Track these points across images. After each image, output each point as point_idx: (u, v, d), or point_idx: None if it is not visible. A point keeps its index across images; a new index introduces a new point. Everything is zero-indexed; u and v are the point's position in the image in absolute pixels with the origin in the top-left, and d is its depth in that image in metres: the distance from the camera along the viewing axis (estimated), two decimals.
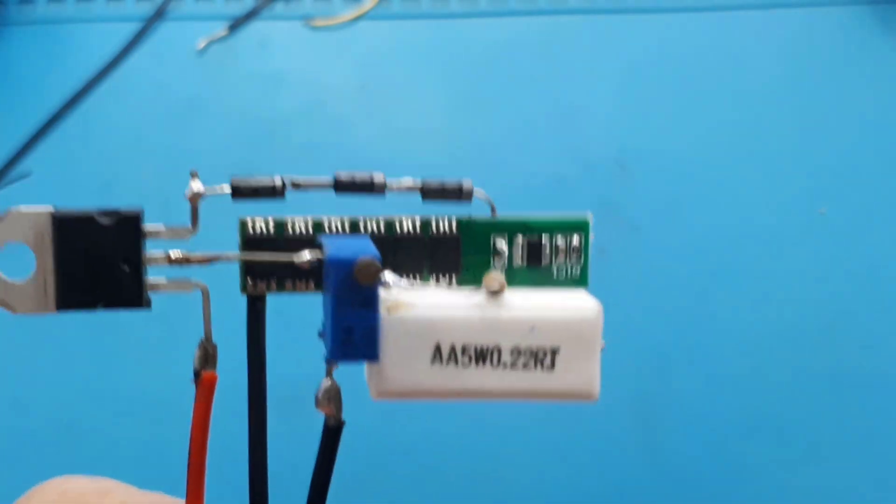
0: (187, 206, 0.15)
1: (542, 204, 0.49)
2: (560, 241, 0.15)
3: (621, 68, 0.54)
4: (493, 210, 0.15)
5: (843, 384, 0.44)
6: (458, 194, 0.14)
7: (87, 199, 0.54)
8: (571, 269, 0.15)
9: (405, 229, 0.14)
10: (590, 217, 0.15)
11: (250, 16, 0.56)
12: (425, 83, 0.54)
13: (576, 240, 0.15)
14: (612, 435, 0.42)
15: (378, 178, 0.14)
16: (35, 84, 0.53)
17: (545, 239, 0.15)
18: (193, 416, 0.15)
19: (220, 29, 0.55)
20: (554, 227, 0.15)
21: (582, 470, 0.41)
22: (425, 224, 0.14)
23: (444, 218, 0.14)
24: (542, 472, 0.42)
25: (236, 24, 0.55)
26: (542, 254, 0.15)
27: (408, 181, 0.14)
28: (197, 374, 0.15)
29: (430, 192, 0.14)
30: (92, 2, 0.56)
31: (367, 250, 0.12)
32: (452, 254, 0.14)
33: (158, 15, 0.55)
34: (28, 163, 0.50)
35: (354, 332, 0.12)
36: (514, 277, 0.14)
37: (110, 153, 0.50)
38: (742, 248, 0.47)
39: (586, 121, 0.52)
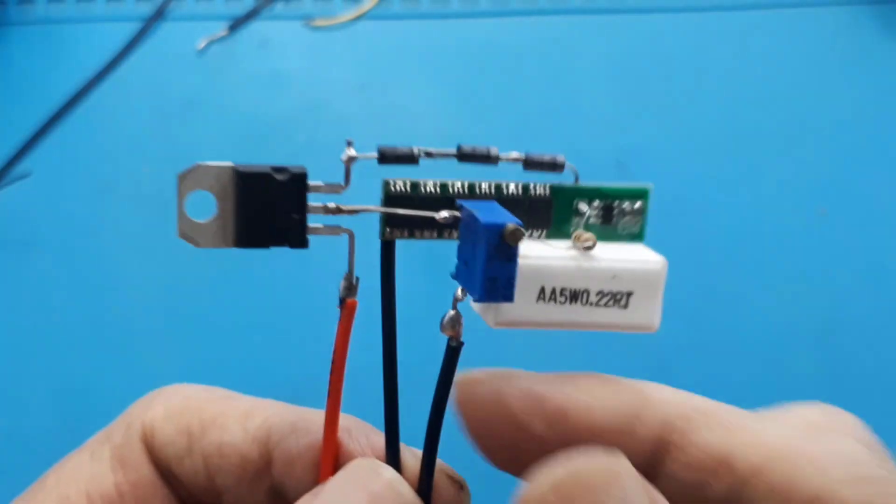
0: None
1: None
2: (626, 204, 0.18)
3: (621, 68, 0.54)
4: (576, 178, 0.18)
5: (842, 384, 0.44)
6: (553, 166, 0.18)
7: (86, 199, 0.54)
8: (632, 226, 0.18)
9: (510, 192, 0.18)
10: (651, 186, 0.18)
11: (250, 16, 0.56)
12: (425, 83, 0.54)
13: (638, 204, 0.18)
14: None
15: (493, 151, 0.17)
16: (35, 84, 0.53)
17: (616, 203, 0.18)
18: (337, 336, 0.18)
19: (220, 29, 0.55)
20: (623, 194, 0.18)
21: None
22: (525, 188, 0.18)
23: (540, 184, 0.18)
24: None
25: (236, 24, 0.55)
26: (613, 214, 0.18)
27: (514, 154, 0.17)
28: (342, 301, 0.18)
29: (530, 164, 0.18)
30: (92, 2, 0.56)
31: (511, 217, 0.16)
32: (545, 212, 0.18)
33: (158, 15, 0.55)
34: (28, 163, 0.50)
35: (498, 280, 0.16)
36: (591, 230, 0.18)
37: (110, 153, 0.50)
38: (742, 247, 0.47)
39: (586, 121, 0.52)
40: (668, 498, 0.16)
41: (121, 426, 0.21)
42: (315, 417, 0.20)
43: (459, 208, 0.17)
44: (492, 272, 0.15)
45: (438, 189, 0.17)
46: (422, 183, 0.17)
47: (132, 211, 0.48)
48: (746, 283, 0.46)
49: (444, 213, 0.17)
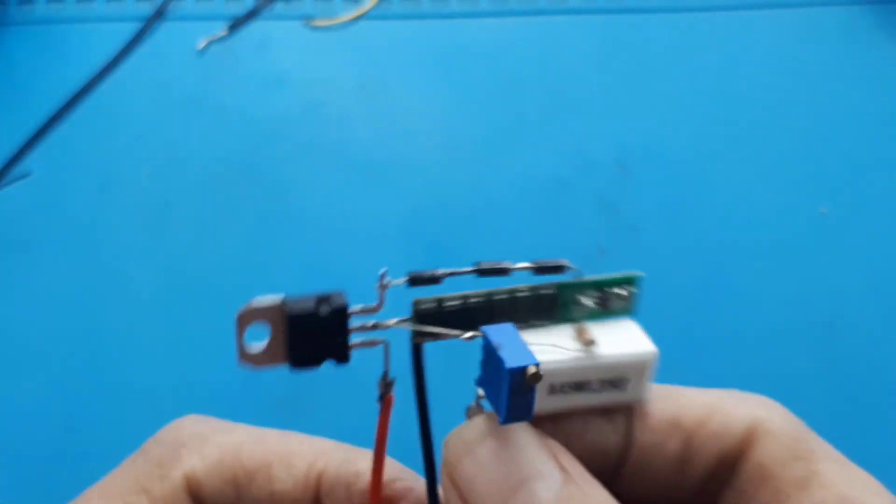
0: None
1: (542, 204, 0.49)
2: (618, 289, 0.21)
3: (621, 68, 0.54)
4: (579, 276, 0.21)
5: (842, 384, 0.44)
6: (558, 270, 0.21)
7: (86, 199, 0.54)
8: (625, 306, 0.21)
9: (522, 294, 0.20)
10: (641, 274, 0.21)
11: (250, 16, 0.56)
12: (425, 83, 0.54)
13: (628, 285, 0.21)
14: None
15: (507, 265, 0.20)
16: (35, 84, 0.53)
17: (609, 289, 0.21)
18: (379, 425, 0.21)
19: (220, 29, 0.55)
20: (615, 283, 0.21)
21: None
22: (536, 293, 0.21)
23: (548, 285, 0.21)
24: None
25: (236, 24, 0.55)
26: (608, 300, 0.21)
27: (524, 264, 0.20)
28: (381, 397, 0.21)
29: (539, 270, 0.20)
30: (92, 2, 0.56)
31: (529, 357, 0.18)
32: (552, 306, 0.21)
33: (158, 15, 0.55)
34: (28, 163, 0.50)
35: (520, 408, 0.18)
36: (590, 315, 0.21)
37: (110, 153, 0.50)
38: (742, 248, 0.47)
39: (586, 121, 0.52)
40: (638, 459, 0.21)
41: (149, 474, 0.21)
42: (360, 461, 0.22)
43: (483, 334, 0.20)
44: (514, 404, 0.18)
45: (461, 301, 0.20)
46: (446, 300, 0.20)
47: (132, 211, 0.48)
48: (746, 283, 0.46)
49: (468, 336, 0.20)
